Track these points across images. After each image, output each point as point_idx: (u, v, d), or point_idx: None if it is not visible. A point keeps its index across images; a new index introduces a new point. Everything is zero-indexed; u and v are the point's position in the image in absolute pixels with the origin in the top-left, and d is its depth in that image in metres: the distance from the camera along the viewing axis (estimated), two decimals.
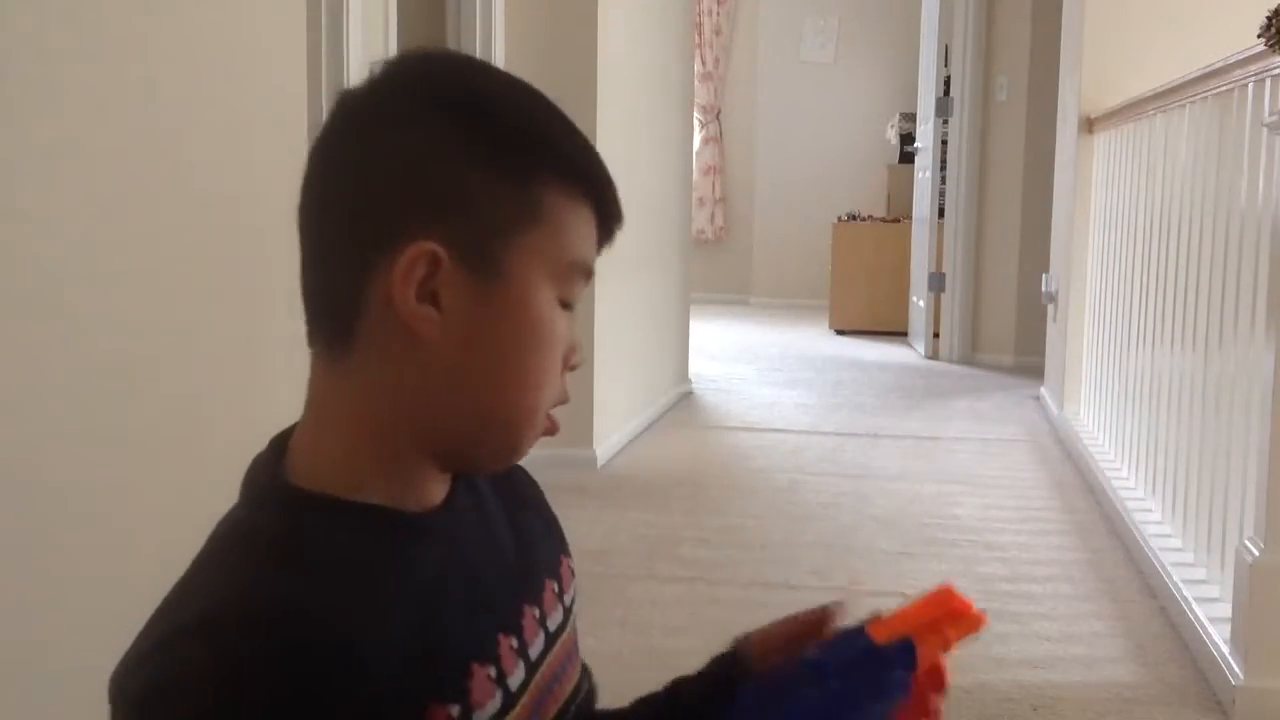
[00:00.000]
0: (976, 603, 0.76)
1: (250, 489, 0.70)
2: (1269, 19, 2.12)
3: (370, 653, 0.61)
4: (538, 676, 0.73)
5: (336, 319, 0.69)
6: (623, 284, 4.09)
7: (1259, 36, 2.18)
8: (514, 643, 0.71)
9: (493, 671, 0.69)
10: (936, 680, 0.75)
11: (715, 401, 5.16)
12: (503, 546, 0.77)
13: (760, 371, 5.94)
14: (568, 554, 0.85)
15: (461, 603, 0.70)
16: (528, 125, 0.71)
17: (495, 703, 0.68)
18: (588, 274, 0.73)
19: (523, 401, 0.70)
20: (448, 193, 0.67)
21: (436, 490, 0.72)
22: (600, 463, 3.86)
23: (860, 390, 5.44)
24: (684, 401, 5.10)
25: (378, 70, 0.71)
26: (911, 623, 0.74)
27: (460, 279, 0.67)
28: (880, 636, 0.73)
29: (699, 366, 5.62)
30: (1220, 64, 2.65)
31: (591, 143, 0.75)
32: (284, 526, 0.67)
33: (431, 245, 0.66)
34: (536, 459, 0.84)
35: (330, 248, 0.69)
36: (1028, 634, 2.49)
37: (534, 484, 0.87)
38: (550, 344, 0.70)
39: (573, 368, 0.74)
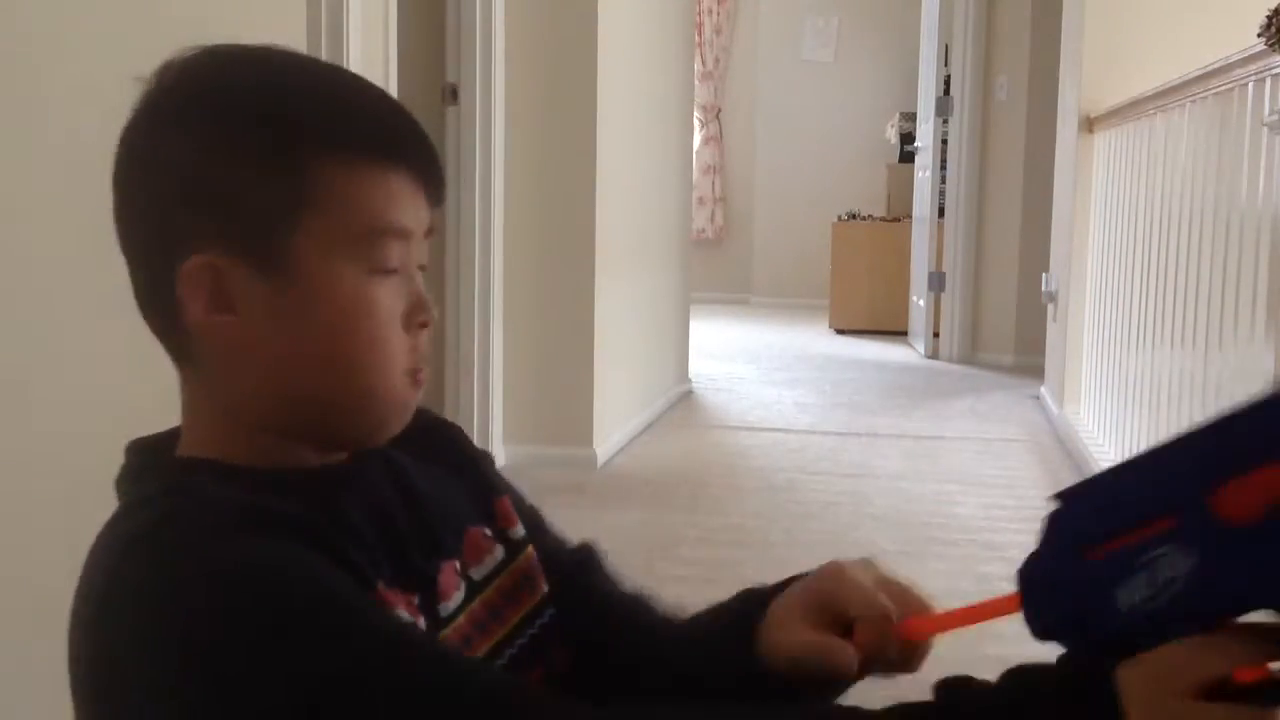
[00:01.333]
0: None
1: (131, 481, 0.71)
2: (1269, 18, 2.12)
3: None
4: (457, 622, 0.74)
5: (168, 337, 0.70)
6: (622, 283, 4.09)
7: (1259, 36, 2.18)
8: (416, 600, 0.71)
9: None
10: None
11: (715, 401, 5.16)
12: (423, 498, 0.76)
13: (760, 371, 5.94)
14: (503, 492, 0.83)
15: (374, 547, 0.70)
16: (282, 108, 0.69)
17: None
18: (400, 233, 0.69)
19: (361, 379, 0.69)
20: (215, 200, 0.67)
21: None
22: (600, 462, 3.86)
23: (860, 390, 5.44)
24: (684, 401, 5.10)
25: (152, 78, 0.70)
26: None
27: (248, 281, 0.67)
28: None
29: (699, 366, 5.62)
30: (1220, 63, 2.65)
31: (376, 96, 0.72)
32: (194, 479, 0.68)
33: (205, 258, 0.66)
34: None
35: (136, 269, 0.70)
36: (1027, 634, 2.49)
37: (447, 435, 0.84)
38: (368, 318, 0.68)
39: (423, 325, 0.72)
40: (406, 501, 0.75)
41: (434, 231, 0.74)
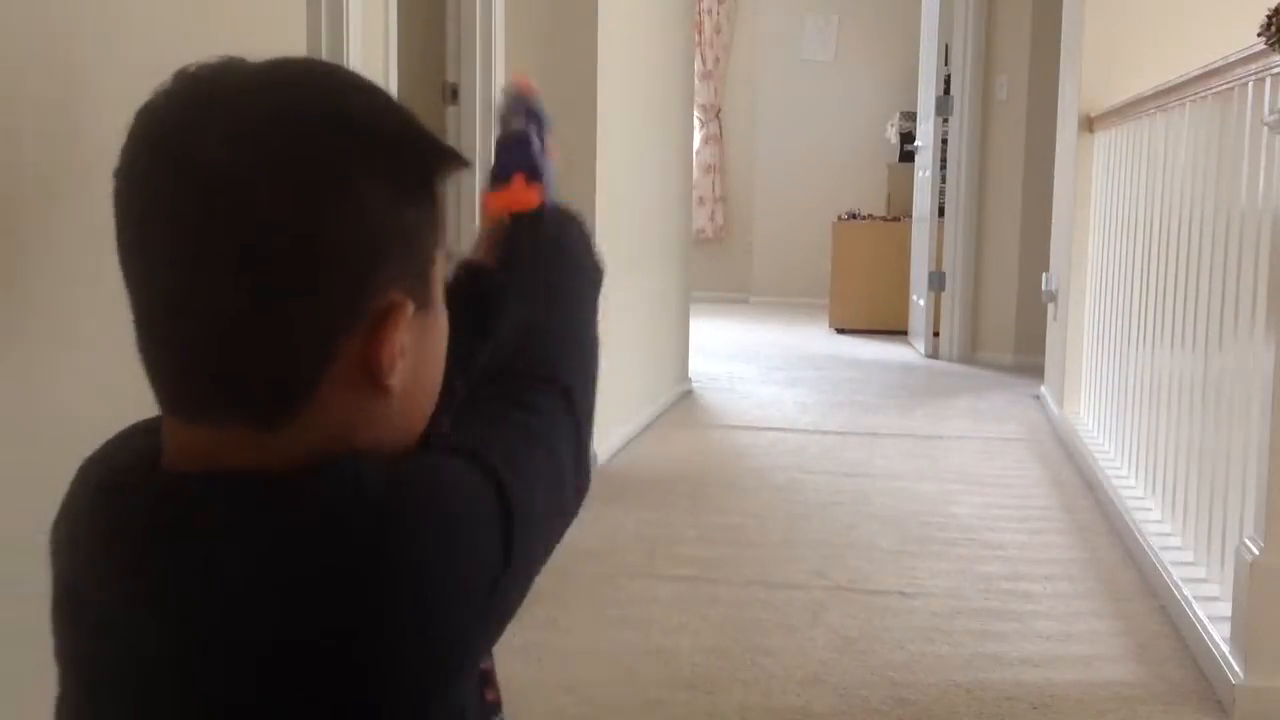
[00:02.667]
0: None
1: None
2: (1269, 18, 2.12)
3: None
4: None
5: (277, 389, 0.65)
6: (623, 283, 4.08)
7: (1259, 35, 2.18)
8: None
9: None
10: None
11: (715, 400, 5.16)
12: None
13: (760, 370, 5.94)
14: None
15: None
16: (420, 138, 0.69)
17: None
18: None
19: (433, 401, 0.73)
20: (393, 240, 0.66)
21: None
22: (600, 461, 3.86)
23: (860, 389, 5.44)
24: (684, 400, 5.10)
25: (237, 109, 0.64)
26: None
27: (414, 319, 0.68)
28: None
29: (699, 365, 5.62)
30: (1220, 63, 2.65)
31: None
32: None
33: (401, 299, 0.66)
34: None
35: (260, 318, 0.64)
36: (1027, 633, 2.49)
37: None
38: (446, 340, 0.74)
39: None
40: None
41: None
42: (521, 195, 1.03)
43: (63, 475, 0.75)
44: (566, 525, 0.78)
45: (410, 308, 0.67)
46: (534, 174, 1.05)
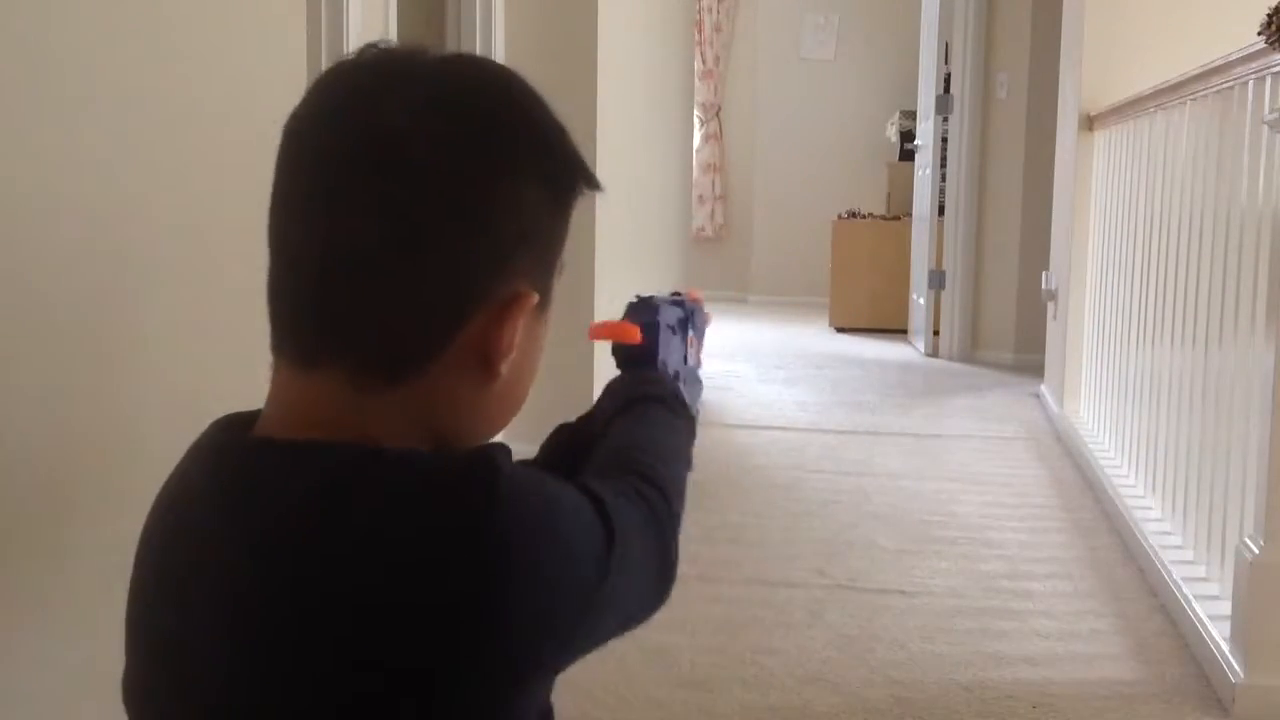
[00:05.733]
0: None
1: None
2: (1269, 16, 2.13)
3: None
4: None
5: (402, 351, 0.67)
6: (623, 281, 4.08)
7: (1259, 34, 2.18)
8: None
9: None
10: None
11: (715, 399, 5.16)
12: None
13: (760, 369, 5.94)
14: None
15: None
16: (576, 159, 0.74)
17: None
18: None
19: (520, 402, 0.75)
20: (535, 234, 0.70)
21: None
22: None
23: (860, 388, 5.44)
24: None
25: (425, 82, 0.69)
26: None
27: (532, 316, 0.71)
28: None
29: None
30: (1220, 61, 2.65)
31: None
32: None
33: (528, 292, 0.69)
34: None
35: (404, 289, 0.67)
36: (1027, 631, 2.49)
37: None
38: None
39: None
40: None
41: None
42: (624, 330, 1.07)
43: None
44: (646, 607, 0.76)
45: (534, 302, 0.70)
46: (648, 330, 1.08)
